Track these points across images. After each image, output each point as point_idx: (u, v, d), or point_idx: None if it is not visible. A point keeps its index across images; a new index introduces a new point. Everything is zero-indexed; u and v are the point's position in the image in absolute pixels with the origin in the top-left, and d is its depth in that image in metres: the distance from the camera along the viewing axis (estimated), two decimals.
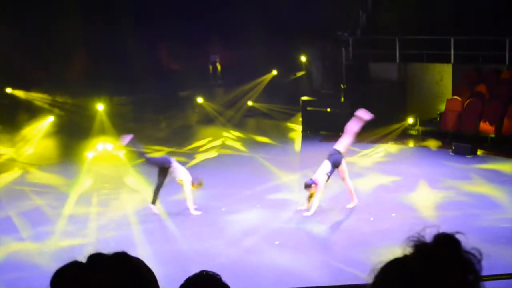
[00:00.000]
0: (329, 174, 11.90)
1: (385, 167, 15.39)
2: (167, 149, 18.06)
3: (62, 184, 14.90)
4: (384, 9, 21.42)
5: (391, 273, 1.59)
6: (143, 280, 1.83)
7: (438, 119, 18.94)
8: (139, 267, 1.84)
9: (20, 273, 9.57)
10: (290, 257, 10.06)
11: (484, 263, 1.55)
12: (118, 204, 13.17)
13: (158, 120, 22.22)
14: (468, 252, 1.55)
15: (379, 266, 1.62)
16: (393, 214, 11.92)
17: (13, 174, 16.14)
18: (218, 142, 19.00)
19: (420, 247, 1.55)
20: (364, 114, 12.46)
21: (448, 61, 19.69)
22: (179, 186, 12.23)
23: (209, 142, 18.96)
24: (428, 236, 1.57)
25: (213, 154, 17.85)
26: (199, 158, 17.13)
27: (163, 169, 12.09)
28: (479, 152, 16.48)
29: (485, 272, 1.57)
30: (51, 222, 12.05)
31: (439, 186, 13.63)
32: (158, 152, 17.49)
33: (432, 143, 17.84)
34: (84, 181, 15.07)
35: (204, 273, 2.18)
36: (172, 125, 21.59)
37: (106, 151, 17.72)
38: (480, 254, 1.55)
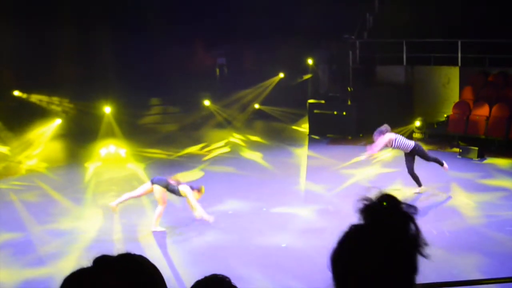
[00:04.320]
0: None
1: (391, 171, 15.35)
2: (173, 153, 18.09)
3: (69, 186, 14.95)
4: (391, 12, 21.41)
5: (348, 231, 1.83)
6: (151, 281, 1.84)
7: (445, 121, 18.89)
8: (146, 268, 1.85)
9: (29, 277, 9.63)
10: (296, 261, 10.05)
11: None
12: (125, 206, 13.19)
13: (164, 122, 22.28)
14: (407, 205, 1.82)
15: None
16: None
17: (19, 176, 16.19)
18: (222, 144, 19.05)
19: (367, 204, 1.83)
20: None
21: (455, 64, 19.65)
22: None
23: (214, 144, 19.00)
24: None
25: (223, 150, 17.98)
26: (204, 160, 17.17)
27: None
28: (486, 155, 16.46)
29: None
30: (58, 223, 12.09)
31: (446, 189, 13.62)
32: (161, 156, 17.57)
33: (439, 146, 17.83)
34: (91, 184, 15.12)
35: (214, 276, 2.19)
36: (178, 128, 21.62)
37: (110, 154, 17.73)
38: (416, 209, 1.81)
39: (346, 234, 1.83)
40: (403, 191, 13.64)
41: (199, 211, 11.47)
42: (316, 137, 19.92)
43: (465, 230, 11.15)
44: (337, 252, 1.83)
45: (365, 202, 1.83)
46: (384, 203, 1.81)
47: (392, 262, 1.74)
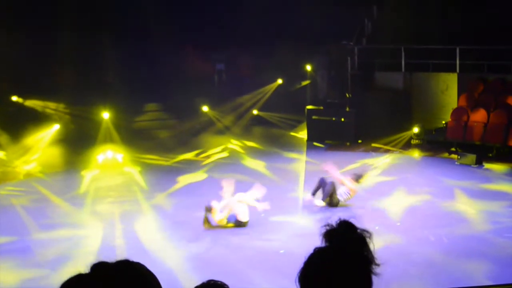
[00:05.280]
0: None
1: (390, 179, 15.34)
2: (171, 159, 18.07)
3: (68, 192, 14.91)
4: (390, 18, 21.44)
5: (313, 254, 2.14)
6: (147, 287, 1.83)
7: (444, 128, 18.91)
8: (143, 275, 1.84)
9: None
10: (295, 265, 10.01)
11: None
12: (124, 212, 13.17)
13: (162, 128, 22.26)
14: (362, 230, 2.12)
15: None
16: (398, 223, 11.90)
17: (17, 182, 16.15)
18: (220, 150, 19.03)
19: (328, 230, 2.15)
20: None
21: (454, 71, 19.70)
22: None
23: (212, 150, 18.98)
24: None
25: (221, 156, 17.99)
26: (203, 165, 17.16)
27: None
28: (484, 161, 16.47)
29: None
30: (57, 229, 12.07)
31: (445, 196, 13.62)
32: (158, 161, 17.54)
33: (437, 153, 17.85)
34: (89, 190, 15.09)
35: (212, 282, 2.19)
36: (176, 134, 21.59)
37: (108, 160, 17.68)
38: (370, 234, 2.12)
39: (311, 256, 2.13)
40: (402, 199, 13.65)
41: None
42: (319, 144, 19.87)
43: (464, 236, 11.14)
44: (303, 272, 2.13)
45: (327, 228, 2.14)
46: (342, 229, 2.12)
47: (350, 279, 2.03)
